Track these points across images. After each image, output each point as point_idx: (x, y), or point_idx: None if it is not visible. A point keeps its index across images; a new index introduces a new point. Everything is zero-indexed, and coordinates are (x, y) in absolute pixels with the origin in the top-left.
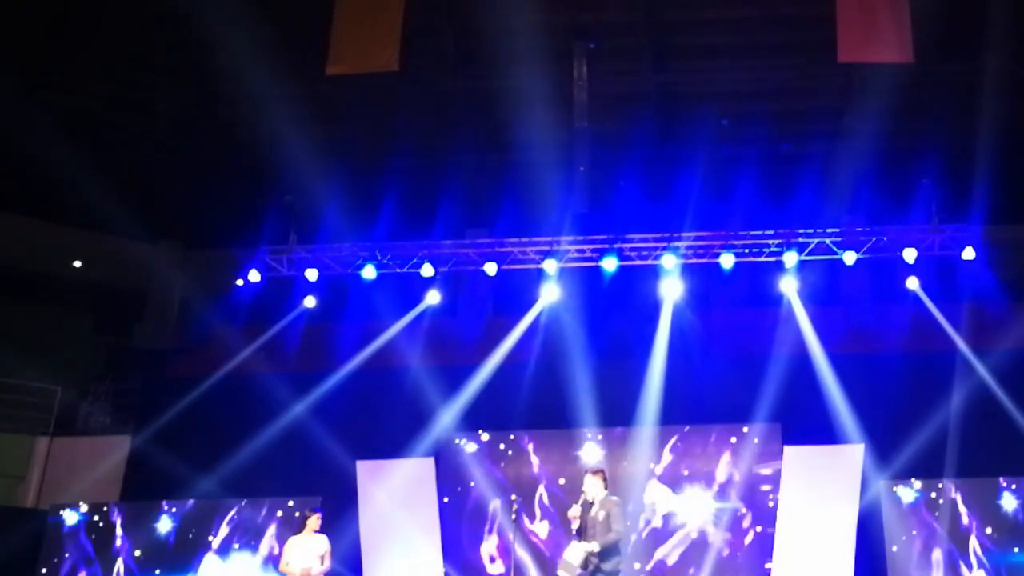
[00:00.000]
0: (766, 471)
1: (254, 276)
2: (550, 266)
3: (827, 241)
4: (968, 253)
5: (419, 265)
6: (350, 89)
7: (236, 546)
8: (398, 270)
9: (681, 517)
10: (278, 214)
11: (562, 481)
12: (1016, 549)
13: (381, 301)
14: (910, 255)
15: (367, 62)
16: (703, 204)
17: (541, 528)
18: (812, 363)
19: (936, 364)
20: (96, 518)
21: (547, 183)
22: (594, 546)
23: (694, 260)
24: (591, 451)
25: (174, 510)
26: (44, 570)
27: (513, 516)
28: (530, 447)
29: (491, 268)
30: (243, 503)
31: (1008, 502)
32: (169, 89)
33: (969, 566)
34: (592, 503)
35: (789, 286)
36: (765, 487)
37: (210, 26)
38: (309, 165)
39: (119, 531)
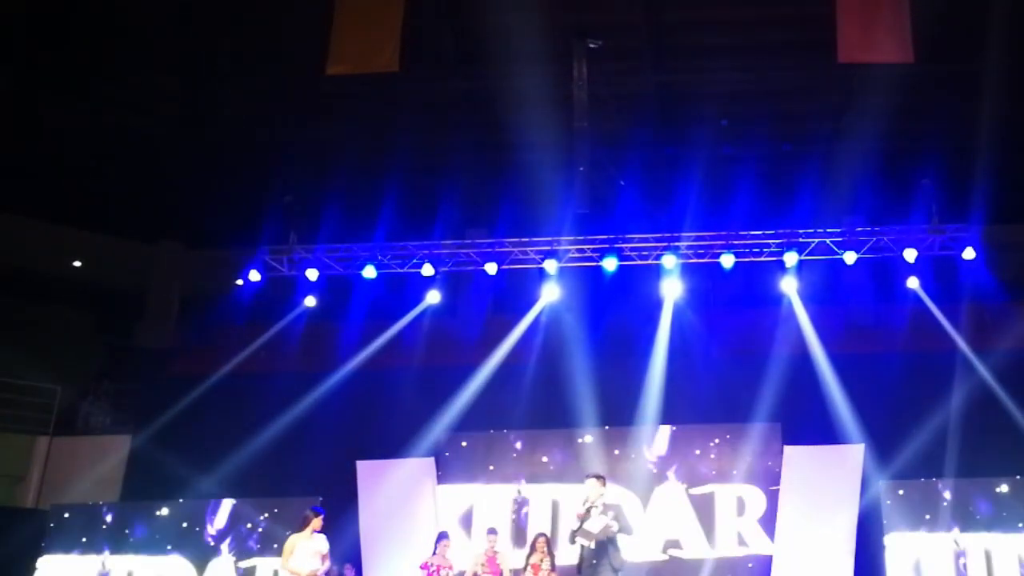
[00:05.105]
0: (766, 471)
1: (254, 276)
2: (550, 266)
3: (827, 241)
4: (968, 253)
5: (419, 265)
6: (350, 89)
7: (235, 545)
8: (398, 270)
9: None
10: (278, 214)
11: (562, 481)
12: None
13: (381, 301)
14: (910, 255)
15: (367, 62)
16: (703, 204)
17: (541, 528)
18: (812, 363)
19: (936, 364)
20: (95, 517)
21: (547, 183)
22: (614, 524)
23: (694, 260)
24: (591, 451)
25: (173, 510)
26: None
27: (513, 516)
28: (530, 447)
29: (491, 268)
30: (242, 503)
31: (1006, 501)
32: (169, 89)
33: (967, 565)
34: (592, 507)
35: (789, 286)
36: (764, 487)
37: (210, 26)
38: (309, 165)
39: (117, 531)
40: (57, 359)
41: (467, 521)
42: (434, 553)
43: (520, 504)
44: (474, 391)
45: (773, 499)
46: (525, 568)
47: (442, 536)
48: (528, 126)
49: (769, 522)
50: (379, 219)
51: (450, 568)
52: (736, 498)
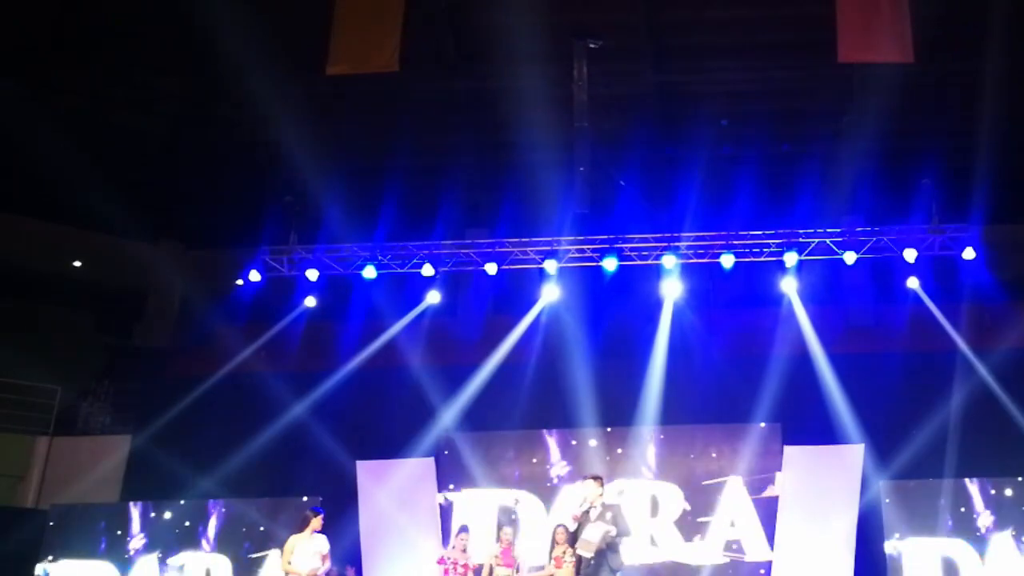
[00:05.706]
0: (765, 471)
1: (254, 276)
2: (550, 266)
3: (827, 241)
4: (968, 253)
5: (419, 265)
6: (350, 89)
7: (235, 546)
8: (398, 270)
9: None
10: (278, 214)
11: (561, 481)
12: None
13: (381, 301)
14: (910, 255)
15: (367, 62)
16: (703, 204)
17: (541, 528)
18: (812, 363)
19: (936, 364)
20: (95, 517)
21: (547, 183)
22: (612, 529)
23: (694, 260)
24: (591, 451)
25: (173, 510)
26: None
27: (514, 516)
28: (530, 447)
29: (491, 268)
30: (241, 503)
31: (1006, 502)
32: (169, 89)
33: (968, 565)
34: (591, 508)
35: (789, 286)
36: (764, 487)
37: (210, 26)
38: (309, 165)
39: (117, 531)
40: (57, 359)
41: (467, 521)
42: (451, 547)
43: (519, 504)
44: (474, 391)
45: (773, 499)
46: (549, 561)
47: (462, 529)
48: (528, 126)
49: (769, 522)
50: (379, 219)
51: (467, 563)
52: (728, 501)
